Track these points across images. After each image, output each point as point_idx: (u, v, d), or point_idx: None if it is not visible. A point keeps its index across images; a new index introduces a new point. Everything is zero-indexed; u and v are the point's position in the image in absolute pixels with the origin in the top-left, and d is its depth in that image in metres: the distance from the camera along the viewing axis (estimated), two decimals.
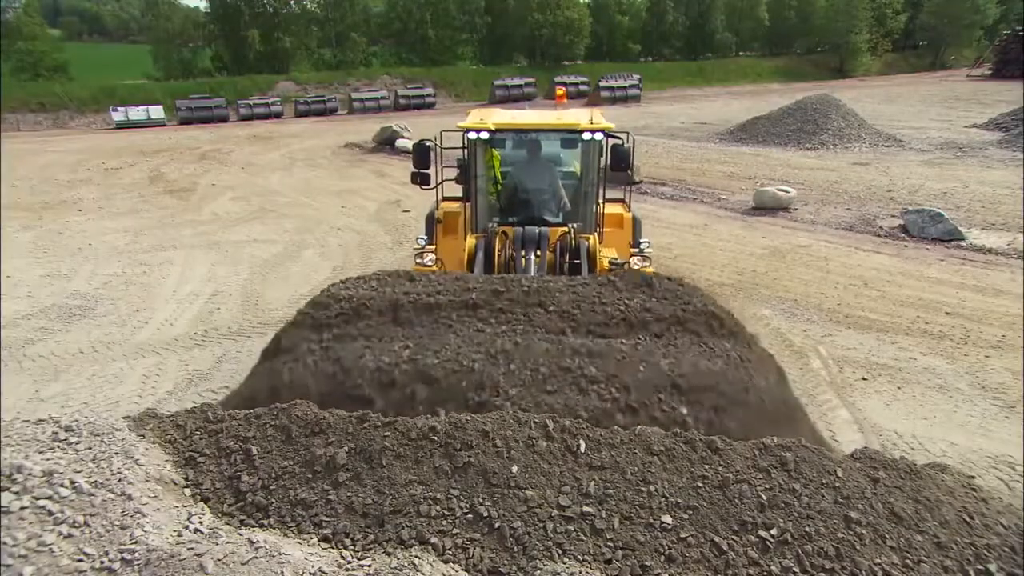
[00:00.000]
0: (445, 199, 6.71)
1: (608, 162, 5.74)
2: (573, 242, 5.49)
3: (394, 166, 19.24)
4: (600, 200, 6.09)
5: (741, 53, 58.51)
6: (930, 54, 60.05)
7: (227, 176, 18.31)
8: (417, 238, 6.24)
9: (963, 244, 10.60)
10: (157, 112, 32.37)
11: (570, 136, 5.98)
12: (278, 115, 34.80)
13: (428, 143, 6.01)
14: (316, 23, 45.60)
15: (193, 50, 43.82)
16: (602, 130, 5.65)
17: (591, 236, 5.79)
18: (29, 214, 13.89)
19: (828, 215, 12.70)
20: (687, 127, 27.13)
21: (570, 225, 5.71)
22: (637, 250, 5.97)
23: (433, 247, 6.11)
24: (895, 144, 20.13)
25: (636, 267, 5.61)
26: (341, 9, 45.53)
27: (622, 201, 6.92)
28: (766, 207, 13.12)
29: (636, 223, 6.62)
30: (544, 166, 6.29)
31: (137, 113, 31.93)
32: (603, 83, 39.77)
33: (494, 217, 6.06)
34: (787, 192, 13.20)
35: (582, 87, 40.59)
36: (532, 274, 5.00)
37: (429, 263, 5.76)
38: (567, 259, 5.43)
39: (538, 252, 5.27)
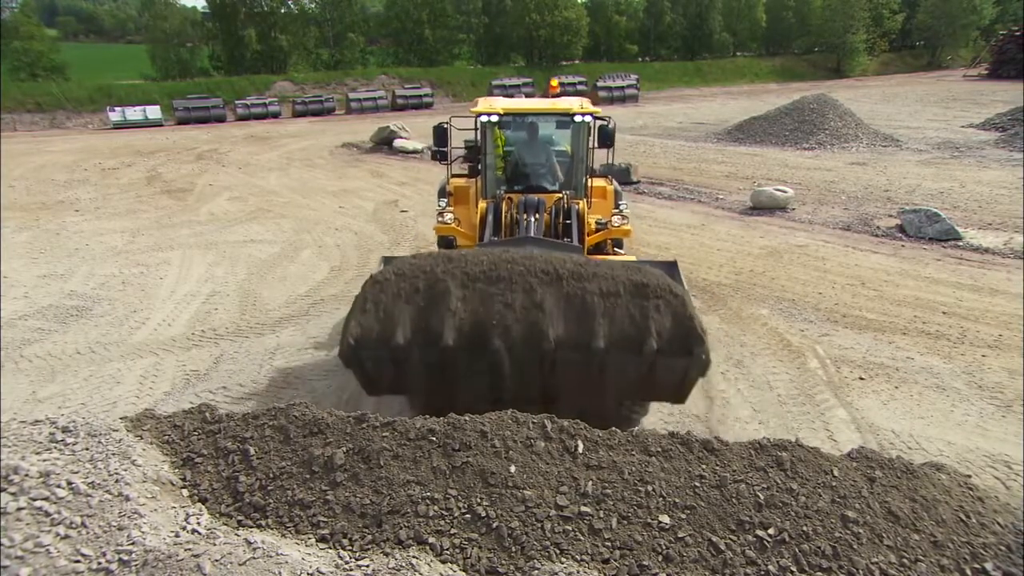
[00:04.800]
0: (453, 176, 7.77)
1: (596, 140, 6.83)
2: (566, 206, 6.44)
3: (392, 166, 19.23)
4: (588, 173, 7.09)
5: (738, 53, 58.55)
6: (927, 54, 60.19)
7: (224, 176, 18.28)
8: (438, 201, 7.29)
9: (960, 244, 10.62)
10: (154, 112, 32.31)
11: (564, 119, 6.97)
12: (275, 115, 34.77)
13: (446, 125, 6.99)
14: (313, 23, 45.55)
15: (190, 50, 43.73)
16: (591, 113, 6.69)
17: (581, 201, 6.71)
18: (26, 214, 13.85)
19: (825, 215, 12.72)
20: (685, 127, 27.15)
21: (564, 192, 6.69)
22: (617, 210, 6.97)
23: (451, 209, 7.10)
24: (892, 144, 20.17)
25: (616, 224, 6.79)
26: (339, 9, 45.49)
27: (606, 176, 7.74)
28: (763, 207, 13.13)
29: (617, 193, 7.49)
30: (541, 144, 7.29)
31: (134, 113, 31.88)
32: (601, 83, 39.83)
33: (501, 186, 6.92)
34: (784, 192, 13.22)
35: (579, 87, 40.63)
36: (532, 233, 5.93)
37: (449, 221, 6.89)
38: (561, 220, 6.38)
39: (537, 215, 6.20)
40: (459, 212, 7.20)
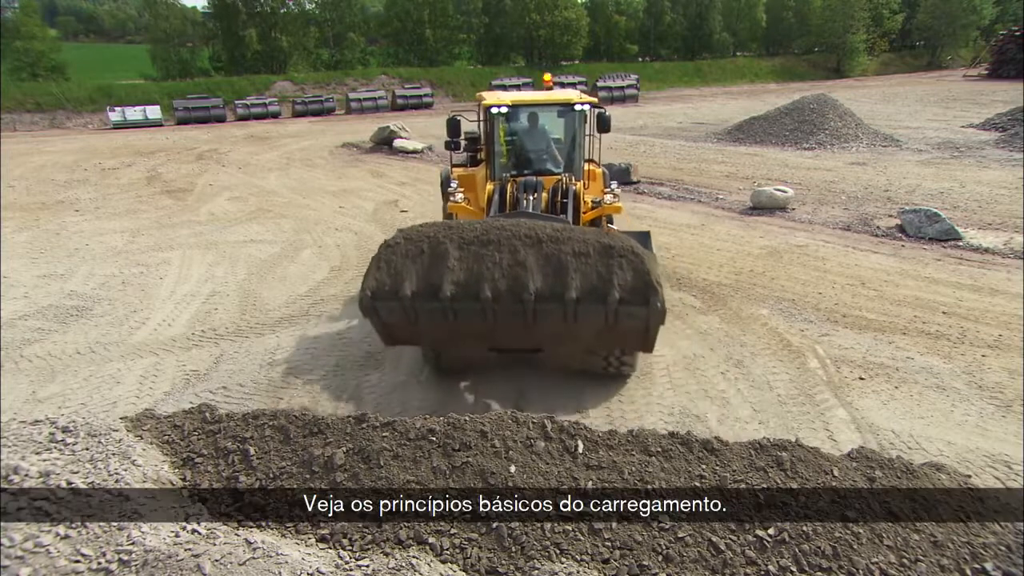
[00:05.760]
0: (453, 166, 8.62)
1: (595, 126, 7.61)
2: (564, 187, 7.03)
3: (392, 166, 19.22)
4: (586, 157, 7.84)
5: (738, 53, 58.57)
6: (927, 54, 60.21)
7: (224, 176, 18.28)
8: (450, 184, 7.84)
9: (960, 244, 10.61)
10: (154, 112, 32.34)
11: (566, 108, 7.58)
12: (275, 115, 34.78)
13: (459, 117, 7.73)
14: (314, 23, 45.55)
15: (191, 50, 43.74)
16: (588, 103, 7.45)
17: (579, 183, 7.36)
18: (26, 214, 13.85)
19: (825, 215, 12.72)
20: (684, 127, 27.15)
21: (563, 174, 7.35)
22: (608, 190, 7.59)
23: (462, 190, 7.66)
24: (892, 144, 20.16)
25: (609, 202, 7.37)
26: (339, 9, 45.49)
27: (592, 160, 8.34)
28: (763, 207, 13.12)
29: (605, 175, 8.24)
30: (542, 132, 7.95)
31: (134, 113, 31.90)
32: (601, 83, 39.87)
33: (508, 171, 7.54)
34: (784, 192, 13.21)
35: (579, 87, 40.63)
36: (530, 210, 6.48)
37: (460, 200, 7.43)
38: (559, 199, 6.94)
39: (535, 195, 6.79)
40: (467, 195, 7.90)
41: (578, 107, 7.40)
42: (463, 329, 5.20)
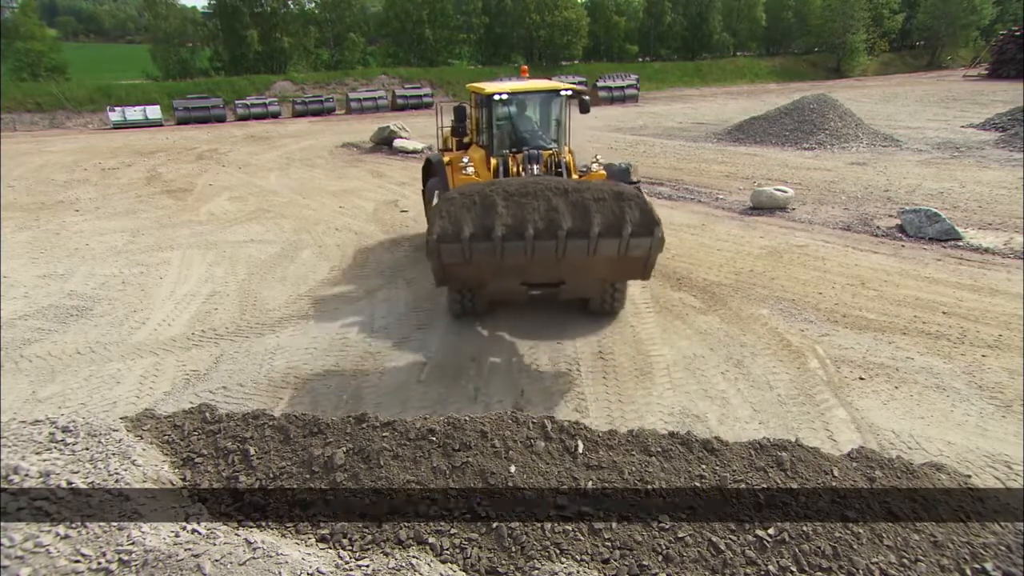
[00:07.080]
0: (444, 150, 9.73)
1: (579, 108, 9.21)
2: (557, 158, 8.37)
3: (392, 166, 19.22)
4: (568, 135, 9.30)
5: (738, 53, 58.57)
6: (927, 54, 60.22)
7: (224, 176, 18.28)
8: (461, 160, 8.80)
9: (960, 244, 10.61)
10: (154, 112, 32.33)
11: (553, 94, 8.98)
12: (275, 115, 34.78)
13: (465, 105, 9.10)
14: (314, 23, 45.56)
15: (191, 50, 43.75)
16: (572, 89, 8.98)
17: (569, 155, 8.82)
18: (26, 214, 13.85)
19: (825, 215, 12.72)
20: (684, 127, 27.15)
21: (554, 149, 8.72)
22: (594, 159, 8.99)
23: (472, 164, 8.71)
24: (892, 144, 20.16)
25: (595, 170, 8.69)
26: (339, 9, 45.49)
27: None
28: (763, 207, 13.12)
29: (573, 154, 9.43)
30: (531, 115, 9.28)
31: (134, 113, 31.90)
32: (601, 83, 39.84)
33: (506, 148, 8.71)
34: (784, 192, 13.20)
35: (579, 87, 40.60)
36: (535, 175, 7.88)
37: (470, 173, 8.51)
38: (554, 169, 8.25)
39: (537, 164, 8.16)
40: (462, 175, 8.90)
41: (563, 93, 8.86)
42: (507, 265, 6.17)
